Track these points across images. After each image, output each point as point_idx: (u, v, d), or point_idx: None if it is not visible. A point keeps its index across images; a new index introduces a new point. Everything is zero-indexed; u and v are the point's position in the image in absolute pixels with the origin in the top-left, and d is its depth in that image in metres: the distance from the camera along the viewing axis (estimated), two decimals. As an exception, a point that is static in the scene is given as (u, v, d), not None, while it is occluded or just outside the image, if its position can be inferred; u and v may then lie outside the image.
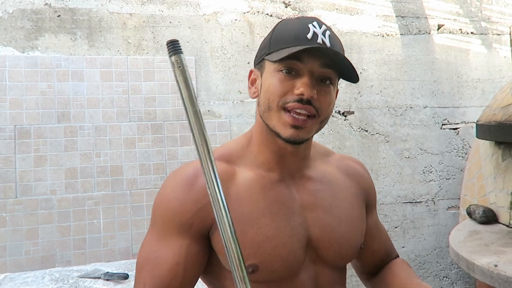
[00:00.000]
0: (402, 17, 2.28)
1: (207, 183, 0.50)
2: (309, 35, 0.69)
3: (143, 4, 1.89)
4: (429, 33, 2.32)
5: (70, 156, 1.75)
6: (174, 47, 0.49)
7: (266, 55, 0.72)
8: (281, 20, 0.77)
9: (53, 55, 1.76)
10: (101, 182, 1.78)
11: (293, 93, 0.68)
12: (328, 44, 0.69)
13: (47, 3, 1.77)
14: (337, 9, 2.17)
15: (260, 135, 0.76)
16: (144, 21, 1.88)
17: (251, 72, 0.78)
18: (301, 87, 0.68)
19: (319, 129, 0.74)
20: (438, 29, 2.34)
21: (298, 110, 0.68)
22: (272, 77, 0.71)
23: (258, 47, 0.78)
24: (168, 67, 1.88)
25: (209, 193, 0.50)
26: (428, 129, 2.29)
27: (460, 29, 2.39)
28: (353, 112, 2.17)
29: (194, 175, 0.71)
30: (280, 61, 0.68)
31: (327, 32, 0.71)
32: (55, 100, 1.75)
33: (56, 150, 1.74)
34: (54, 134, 1.74)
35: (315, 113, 0.70)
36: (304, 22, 0.71)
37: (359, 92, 2.18)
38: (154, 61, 1.88)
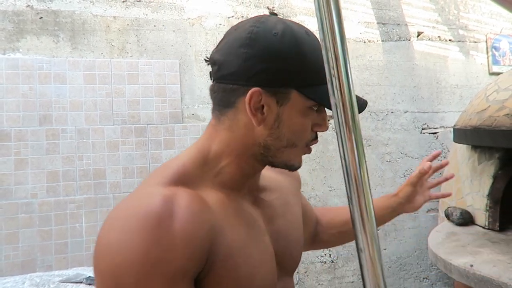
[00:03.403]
0: (383, 24, 2.34)
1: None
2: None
3: (127, 7, 1.89)
4: (409, 40, 2.38)
5: (51, 159, 1.73)
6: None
7: (299, 86, 0.61)
8: (295, 29, 0.63)
9: (35, 57, 1.74)
10: (84, 186, 1.77)
11: (312, 129, 0.66)
12: None
13: (29, 5, 1.76)
14: (320, 15, 2.21)
15: (235, 157, 0.64)
16: (128, 24, 1.88)
17: (255, 93, 0.60)
18: (323, 124, 0.67)
19: None
20: (417, 36, 2.40)
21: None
22: (303, 115, 0.63)
23: (267, 59, 0.60)
24: (152, 70, 1.89)
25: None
26: (409, 134, 2.34)
27: (439, 37, 2.46)
28: (335, 117, 2.20)
29: (163, 206, 0.53)
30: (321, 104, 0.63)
31: None
32: (36, 103, 1.73)
33: (38, 153, 1.72)
34: (35, 137, 1.72)
35: None
36: (318, 44, 0.63)
37: (342, 97, 2.22)
38: (138, 64, 1.87)
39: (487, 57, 2.54)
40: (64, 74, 1.77)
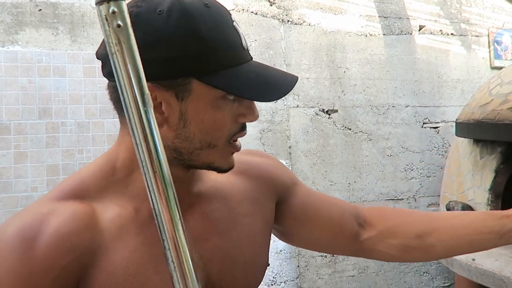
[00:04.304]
0: (384, 17, 2.32)
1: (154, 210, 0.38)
2: (244, 43, 0.53)
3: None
4: (411, 34, 2.37)
5: (51, 152, 1.72)
6: None
7: (200, 74, 0.50)
8: (187, 2, 0.50)
9: (34, 50, 1.73)
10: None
11: (236, 121, 0.54)
12: (247, 47, 0.55)
13: (28, -3, 1.74)
14: (321, 8, 2.19)
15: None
16: (128, 17, 1.86)
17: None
18: (249, 113, 0.54)
19: None
20: (419, 30, 2.39)
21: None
22: (215, 107, 0.52)
23: (152, 46, 0.49)
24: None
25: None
26: (410, 128, 2.33)
27: (441, 30, 2.44)
28: (336, 111, 2.20)
29: (32, 226, 0.48)
30: (240, 96, 0.52)
31: (235, 23, 0.54)
32: (36, 96, 1.72)
33: (37, 147, 1.71)
34: (35, 130, 1.71)
35: None
36: (225, 16, 0.53)
37: (343, 91, 2.21)
38: (138, 57, 1.86)
39: (489, 51, 2.53)
40: (64, 67, 1.76)
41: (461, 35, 2.48)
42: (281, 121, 2.09)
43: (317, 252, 2.12)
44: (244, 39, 0.54)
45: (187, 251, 0.39)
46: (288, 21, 2.13)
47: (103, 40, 0.52)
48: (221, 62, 0.50)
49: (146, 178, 0.38)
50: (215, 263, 0.57)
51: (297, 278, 2.08)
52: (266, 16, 2.08)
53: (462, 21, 2.50)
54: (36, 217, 0.48)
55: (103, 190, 0.54)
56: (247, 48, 0.54)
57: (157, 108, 0.51)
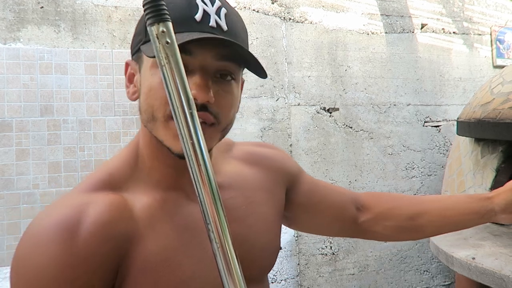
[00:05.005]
0: (386, 15, 2.31)
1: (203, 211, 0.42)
2: (198, 16, 0.51)
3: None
4: (413, 32, 2.36)
5: (53, 150, 1.73)
6: (155, 9, 0.37)
7: (142, 43, 0.54)
8: None
9: (36, 47, 1.73)
10: (85, 177, 1.76)
11: None
12: (224, 26, 0.53)
13: (30, -6, 1.74)
14: (323, 6, 2.19)
15: (149, 148, 0.58)
16: (129, 14, 1.86)
17: (127, 65, 0.60)
18: (192, 89, 0.50)
19: (222, 138, 0.59)
20: (421, 28, 2.38)
21: None
22: (152, 75, 0.53)
23: (135, 29, 0.58)
24: (153, 61, 1.87)
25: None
26: (411, 127, 2.33)
27: (443, 29, 2.43)
28: (338, 109, 2.19)
29: (72, 216, 0.49)
30: None
31: (223, 10, 0.54)
32: (37, 93, 1.72)
33: (39, 144, 1.71)
34: (37, 128, 1.71)
35: (213, 121, 0.54)
36: None
37: (344, 89, 2.21)
38: (139, 55, 1.86)
39: (491, 50, 2.52)
40: (65, 64, 1.76)
41: (463, 33, 2.48)
42: (282, 119, 2.09)
43: (318, 251, 2.13)
44: (211, 15, 0.52)
45: (228, 233, 0.43)
46: (290, 19, 2.13)
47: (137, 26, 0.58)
48: None
49: (192, 171, 0.43)
50: (235, 247, 0.60)
51: (297, 276, 2.08)
52: (268, 14, 2.08)
53: (464, 19, 2.49)
54: (74, 208, 0.50)
55: (128, 180, 0.57)
56: (210, 23, 0.52)
57: (131, 79, 0.58)
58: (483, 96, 1.74)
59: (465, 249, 1.44)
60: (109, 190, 0.54)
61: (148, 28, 0.40)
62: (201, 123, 0.50)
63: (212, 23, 0.52)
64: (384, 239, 0.85)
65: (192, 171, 0.42)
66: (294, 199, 0.76)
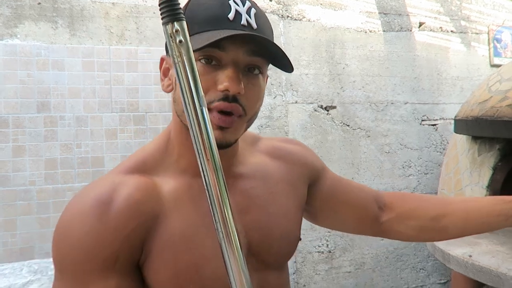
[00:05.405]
0: (384, 14, 2.32)
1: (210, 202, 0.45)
2: (231, 15, 0.56)
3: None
4: (411, 31, 2.36)
5: (50, 146, 1.72)
6: (170, 8, 0.39)
7: None
8: None
9: (33, 44, 1.72)
10: (82, 173, 1.76)
11: (216, 89, 0.57)
12: (254, 25, 0.58)
13: (26, -10, 1.73)
14: (321, 4, 2.19)
15: (180, 136, 0.63)
16: (127, 11, 1.86)
17: (162, 60, 0.65)
18: (225, 81, 0.56)
19: (247, 128, 0.64)
20: (419, 27, 2.38)
21: (224, 110, 0.57)
22: None
23: None
24: (152, 58, 1.87)
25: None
26: (408, 125, 2.34)
27: (441, 27, 2.44)
28: (335, 107, 2.20)
29: (106, 193, 0.57)
30: (196, 50, 0.55)
31: (252, 10, 0.59)
32: (34, 90, 1.71)
33: (36, 140, 1.71)
34: (33, 124, 1.71)
35: (241, 113, 0.59)
36: None
37: (342, 87, 2.21)
38: (137, 52, 1.85)
39: (489, 49, 2.53)
40: (63, 61, 1.75)
41: (461, 32, 2.48)
42: (279, 117, 2.09)
43: (314, 248, 2.13)
44: (242, 14, 0.58)
45: (233, 224, 0.45)
46: (288, 16, 2.12)
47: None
48: (195, 29, 0.56)
49: (201, 164, 0.44)
50: (255, 232, 0.65)
51: (294, 273, 2.08)
52: (266, 11, 2.07)
53: (462, 18, 2.49)
54: (109, 186, 0.58)
55: (159, 165, 0.63)
56: (242, 21, 0.57)
57: (166, 73, 0.63)
58: (481, 94, 1.75)
59: (462, 247, 1.44)
60: (141, 173, 0.61)
61: (163, 27, 0.41)
62: (230, 115, 0.57)
63: (243, 21, 0.57)
64: (406, 239, 0.84)
65: (201, 164, 0.44)
66: (316, 195, 0.79)
